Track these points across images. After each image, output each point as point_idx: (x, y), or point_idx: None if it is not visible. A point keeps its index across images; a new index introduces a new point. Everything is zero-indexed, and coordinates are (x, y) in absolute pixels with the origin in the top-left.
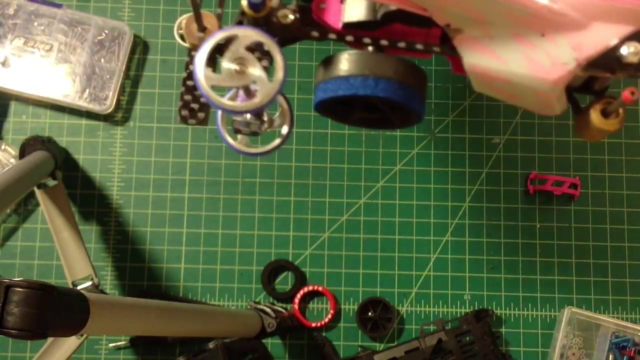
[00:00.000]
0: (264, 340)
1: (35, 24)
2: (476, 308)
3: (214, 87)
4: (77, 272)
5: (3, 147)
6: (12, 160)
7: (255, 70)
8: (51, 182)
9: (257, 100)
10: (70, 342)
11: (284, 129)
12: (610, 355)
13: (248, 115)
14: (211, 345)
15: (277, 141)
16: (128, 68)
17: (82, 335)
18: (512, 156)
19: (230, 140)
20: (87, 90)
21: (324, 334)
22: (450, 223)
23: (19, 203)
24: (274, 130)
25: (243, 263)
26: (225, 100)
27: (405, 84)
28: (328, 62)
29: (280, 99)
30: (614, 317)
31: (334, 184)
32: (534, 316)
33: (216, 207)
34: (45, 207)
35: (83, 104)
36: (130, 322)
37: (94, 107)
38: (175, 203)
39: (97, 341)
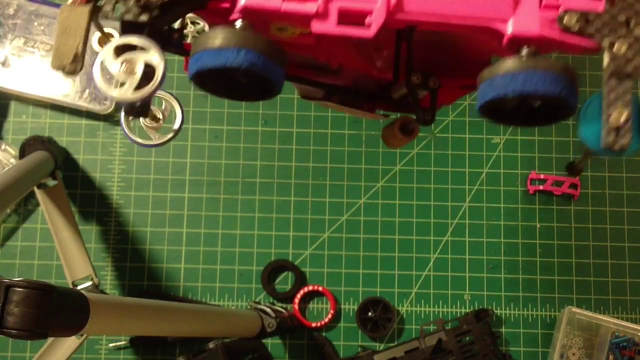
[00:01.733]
0: (264, 340)
1: (35, 24)
2: (476, 308)
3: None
4: (77, 272)
5: (3, 147)
6: (12, 160)
7: (139, 68)
8: (51, 182)
9: (138, 92)
10: (70, 342)
11: (176, 124)
12: (610, 355)
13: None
14: (211, 345)
15: (170, 135)
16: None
17: (82, 335)
18: (512, 156)
19: (128, 132)
20: (87, 90)
21: (324, 334)
22: (450, 223)
23: (19, 203)
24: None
25: (243, 263)
26: (106, 87)
27: (268, 56)
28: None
29: (170, 97)
30: (614, 317)
31: (334, 184)
32: (534, 316)
33: (216, 207)
34: (45, 207)
35: (83, 104)
36: (130, 322)
37: (94, 107)
38: (175, 203)
39: (97, 341)
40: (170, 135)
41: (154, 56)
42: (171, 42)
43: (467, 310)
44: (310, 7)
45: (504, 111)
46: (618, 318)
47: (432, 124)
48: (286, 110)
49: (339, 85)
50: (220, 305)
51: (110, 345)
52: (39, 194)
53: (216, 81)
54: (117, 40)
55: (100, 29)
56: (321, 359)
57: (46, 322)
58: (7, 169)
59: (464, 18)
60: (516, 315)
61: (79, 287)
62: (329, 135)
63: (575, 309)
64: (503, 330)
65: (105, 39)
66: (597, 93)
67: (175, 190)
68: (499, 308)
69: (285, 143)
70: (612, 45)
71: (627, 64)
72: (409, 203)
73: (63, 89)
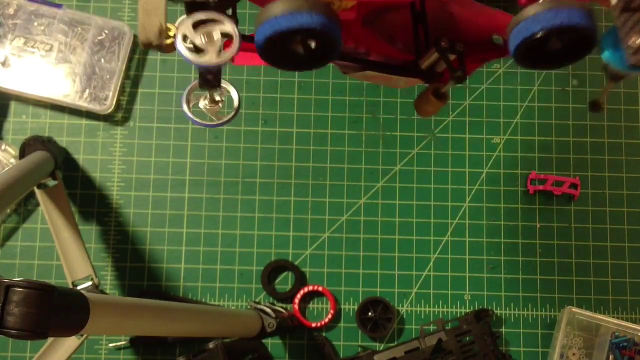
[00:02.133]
0: (264, 340)
1: (35, 24)
2: (476, 308)
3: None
4: (77, 272)
5: (3, 147)
6: (12, 160)
7: (218, 35)
8: (51, 182)
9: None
10: (70, 342)
11: (235, 103)
12: (610, 355)
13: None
14: (211, 345)
15: (231, 114)
16: (128, 68)
17: (82, 335)
18: (512, 156)
19: (189, 113)
20: (87, 90)
21: (324, 334)
22: (450, 223)
23: (19, 203)
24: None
25: (243, 263)
26: (191, 55)
27: (334, 19)
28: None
29: (226, 84)
30: (614, 317)
31: (334, 184)
32: (534, 316)
33: (216, 207)
34: (45, 207)
35: (83, 104)
36: (130, 322)
37: (94, 107)
38: (175, 203)
39: (97, 341)
40: (231, 115)
41: (228, 25)
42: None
43: (467, 310)
44: None
45: (534, 55)
46: (618, 318)
47: (463, 82)
48: (286, 110)
49: (378, 62)
50: (220, 305)
51: (110, 345)
52: (39, 194)
53: (276, 51)
54: (196, 15)
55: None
56: (321, 359)
57: (46, 322)
58: (7, 169)
59: None
60: (516, 315)
61: (79, 287)
62: (329, 135)
63: (575, 309)
64: (503, 330)
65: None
66: (612, 26)
67: (175, 190)
68: (499, 308)
69: (285, 143)
70: None
71: (633, 1)
72: (409, 203)
73: (63, 89)
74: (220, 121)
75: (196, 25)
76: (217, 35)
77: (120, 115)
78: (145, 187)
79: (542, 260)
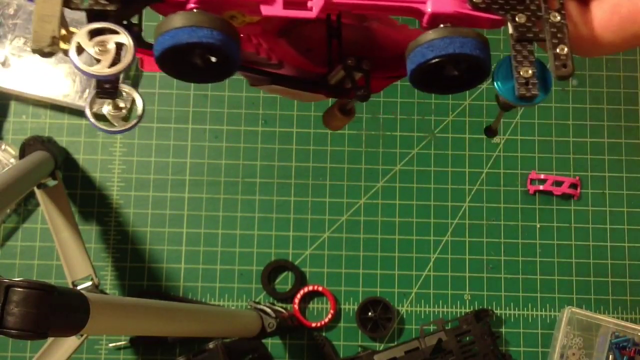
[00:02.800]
0: (264, 340)
1: None
2: (476, 308)
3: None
4: (77, 272)
5: (3, 147)
6: (12, 160)
7: (112, 46)
8: (51, 182)
9: (112, 67)
10: (70, 342)
11: (139, 111)
12: (610, 355)
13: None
14: (211, 345)
15: (134, 121)
16: (128, 68)
17: (82, 335)
18: (512, 156)
19: (93, 120)
20: (87, 90)
21: (324, 334)
22: (450, 223)
23: (19, 203)
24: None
25: (243, 263)
26: (82, 65)
27: (232, 36)
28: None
29: (130, 89)
30: (614, 317)
31: (334, 184)
32: (534, 316)
33: (216, 207)
34: (45, 207)
35: (83, 104)
36: (130, 322)
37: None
38: (175, 203)
39: (97, 341)
40: (134, 122)
41: (123, 37)
42: (132, 35)
43: (467, 310)
44: None
45: (429, 79)
46: (618, 318)
47: (367, 101)
48: (286, 110)
49: (283, 75)
50: (220, 305)
51: (110, 345)
52: (39, 194)
53: (175, 62)
54: (90, 25)
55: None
56: (321, 359)
57: (46, 322)
58: (7, 169)
59: (391, 2)
60: (516, 315)
61: (79, 287)
62: (329, 135)
63: (575, 309)
64: (503, 330)
65: (67, 32)
66: (505, 56)
67: (175, 190)
68: (499, 308)
69: (285, 143)
70: (513, 17)
71: (527, 32)
72: (409, 203)
73: (63, 89)
74: (122, 128)
75: (93, 35)
76: (111, 45)
77: None
78: (145, 187)
79: (542, 260)
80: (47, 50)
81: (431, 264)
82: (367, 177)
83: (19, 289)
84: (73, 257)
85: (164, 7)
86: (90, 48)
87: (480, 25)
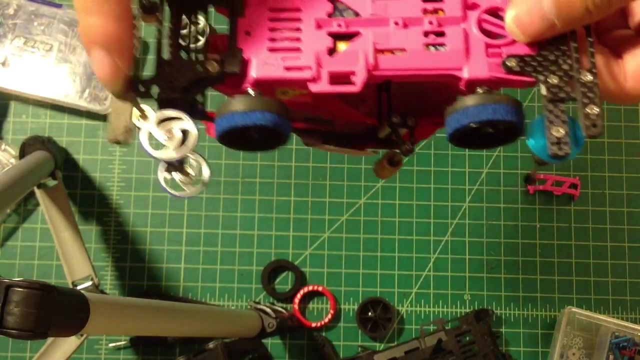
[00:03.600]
0: (264, 340)
1: (35, 24)
2: (476, 308)
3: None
4: (77, 272)
5: (3, 147)
6: (12, 160)
7: (174, 143)
8: (51, 182)
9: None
10: (70, 342)
11: (205, 178)
12: (610, 355)
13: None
14: (211, 345)
15: (199, 187)
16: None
17: (82, 335)
18: (512, 156)
19: (165, 186)
20: (87, 90)
21: (324, 334)
22: (450, 223)
23: (19, 203)
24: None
25: (243, 263)
26: (152, 150)
27: (284, 116)
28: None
29: (198, 156)
30: (614, 317)
31: (334, 184)
32: (534, 316)
33: (216, 207)
34: (45, 207)
35: (83, 104)
36: (130, 322)
37: (94, 107)
38: (175, 203)
39: (97, 341)
40: (199, 188)
41: (187, 123)
42: (197, 111)
43: (467, 310)
44: (307, 74)
45: (467, 138)
46: (618, 318)
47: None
48: None
49: (333, 132)
50: (220, 305)
51: (110, 345)
52: (39, 194)
53: (236, 137)
54: (159, 114)
55: (139, 108)
56: (321, 359)
57: (46, 322)
58: (7, 169)
59: (428, 70)
60: (516, 315)
61: (79, 287)
62: None
63: (575, 309)
64: (503, 330)
65: (143, 114)
66: (538, 117)
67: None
68: (499, 308)
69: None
70: (546, 78)
71: (560, 92)
72: (409, 203)
73: (63, 89)
74: (190, 194)
75: (161, 122)
76: (177, 132)
77: None
78: (145, 187)
79: (542, 260)
80: (121, 139)
81: (431, 264)
82: (367, 177)
83: (19, 289)
84: (73, 257)
85: (224, 87)
86: (160, 135)
87: (515, 86)
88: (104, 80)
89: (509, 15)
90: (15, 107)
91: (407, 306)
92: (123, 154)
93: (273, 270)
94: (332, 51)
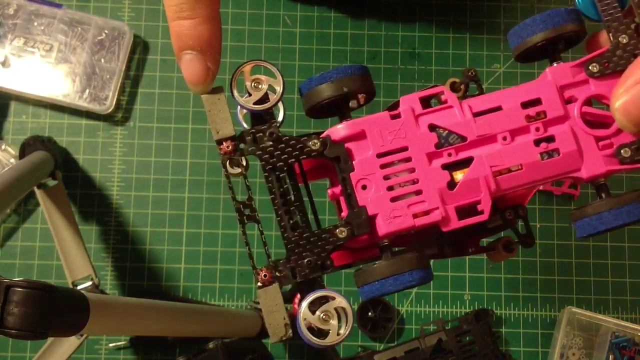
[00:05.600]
0: (264, 340)
1: (35, 24)
2: (476, 308)
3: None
4: (77, 272)
5: (3, 147)
6: (12, 160)
7: (334, 325)
8: (51, 182)
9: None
10: (70, 342)
11: (347, 329)
12: (610, 355)
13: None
14: (211, 345)
15: (339, 337)
16: (128, 68)
17: (82, 335)
18: None
19: (308, 335)
20: (87, 90)
21: None
22: None
23: (19, 203)
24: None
25: (243, 263)
26: (317, 340)
27: (426, 266)
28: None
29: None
30: (614, 317)
31: None
32: (534, 316)
33: (216, 207)
34: (45, 207)
35: (83, 104)
36: (130, 322)
37: (94, 107)
38: (175, 203)
39: (97, 341)
40: (341, 338)
41: (341, 301)
42: (327, 267)
43: (467, 310)
44: (437, 216)
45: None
46: (618, 318)
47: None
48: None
49: (445, 241)
50: (220, 305)
51: (110, 345)
52: (39, 194)
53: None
54: (309, 297)
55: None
56: (321, 359)
57: (46, 322)
58: (7, 169)
59: (547, 178)
60: (516, 315)
61: (79, 287)
62: None
63: (575, 309)
64: (503, 330)
65: (296, 299)
66: None
67: (175, 190)
68: (499, 308)
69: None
70: None
71: None
72: None
73: (63, 89)
74: (332, 342)
75: (312, 307)
76: (334, 321)
77: (120, 115)
78: (145, 187)
79: (542, 260)
80: (286, 336)
81: (431, 264)
82: None
83: (19, 289)
84: (73, 257)
85: (350, 243)
86: (317, 320)
87: (630, 172)
88: (196, 82)
89: (616, 107)
90: (15, 107)
91: (407, 306)
92: (123, 154)
93: None
94: (451, 184)
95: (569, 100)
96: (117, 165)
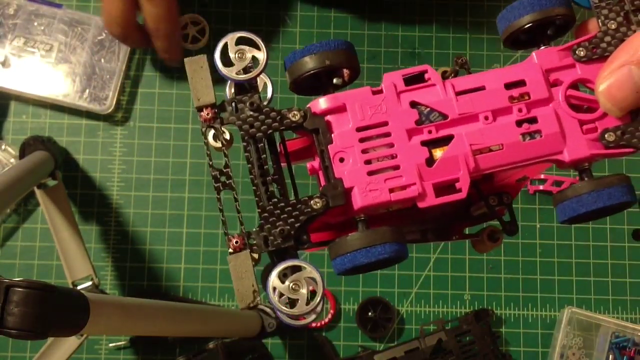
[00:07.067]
0: (264, 340)
1: (35, 24)
2: (476, 308)
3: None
4: (77, 272)
5: (3, 147)
6: (12, 160)
7: (303, 294)
8: (51, 182)
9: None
10: (70, 342)
11: (317, 307)
12: (610, 355)
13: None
14: (211, 345)
15: (312, 317)
16: (128, 68)
17: (82, 335)
18: None
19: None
20: (87, 90)
21: (324, 334)
22: None
23: (19, 203)
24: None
25: None
26: (286, 309)
27: (401, 241)
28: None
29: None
30: (614, 317)
31: None
32: (534, 316)
33: (216, 207)
34: (45, 207)
35: (83, 104)
36: (130, 322)
37: (94, 107)
38: (175, 203)
39: (97, 341)
40: (310, 308)
41: (311, 270)
42: (302, 242)
43: (467, 310)
44: (414, 191)
45: (579, 219)
46: (618, 318)
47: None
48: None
49: (429, 227)
50: (220, 305)
51: (110, 345)
52: (39, 194)
53: (357, 271)
54: (279, 266)
55: (255, 260)
56: (321, 359)
57: (46, 322)
58: (7, 169)
59: (528, 159)
60: (516, 315)
61: (79, 287)
62: None
63: (575, 309)
64: (503, 330)
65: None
66: None
67: (175, 190)
68: (499, 308)
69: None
70: None
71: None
72: None
73: (63, 89)
74: (303, 311)
75: (282, 276)
76: (303, 289)
77: (120, 115)
78: (145, 187)
79: (542, 260)
80: (253, 304)
81: (431, 264)
82: None
83: (19, 289)
84: (73, 257)
85: (326, 217)
86: (286, 290)
87: (614, 157)
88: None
89: (600, 90)
90: (15, 107)
91: (407, 306)
92: (123, 154)
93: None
94: (429, 161)
95: (555, 84)
96: (117, 165)
